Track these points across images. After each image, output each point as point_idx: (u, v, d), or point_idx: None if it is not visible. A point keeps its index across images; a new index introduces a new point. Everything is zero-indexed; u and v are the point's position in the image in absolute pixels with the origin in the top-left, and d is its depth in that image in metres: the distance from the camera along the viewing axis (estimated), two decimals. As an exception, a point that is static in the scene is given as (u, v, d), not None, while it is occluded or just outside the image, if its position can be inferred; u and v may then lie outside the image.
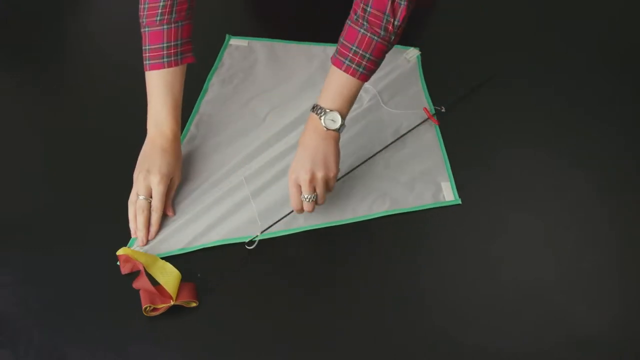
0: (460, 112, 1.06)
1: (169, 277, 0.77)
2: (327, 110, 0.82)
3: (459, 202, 0.92)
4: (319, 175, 0.80)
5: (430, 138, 1.01)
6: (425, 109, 1.03)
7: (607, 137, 1.05)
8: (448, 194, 0.93)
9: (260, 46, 1.15)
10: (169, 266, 0.79)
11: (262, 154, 0.96)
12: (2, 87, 1.07)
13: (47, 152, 0.96)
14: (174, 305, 0.76)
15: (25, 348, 0.73)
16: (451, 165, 0.97)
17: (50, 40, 1.15)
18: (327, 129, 0.82)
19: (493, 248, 0.88)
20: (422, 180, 0.94)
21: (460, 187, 0.94)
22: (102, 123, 1.00)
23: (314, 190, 0.81)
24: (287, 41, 1.17)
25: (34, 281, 0.79)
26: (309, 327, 0.78)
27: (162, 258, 0.81)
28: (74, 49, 1.15)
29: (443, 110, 1.03)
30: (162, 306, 0.76)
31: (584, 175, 0.99)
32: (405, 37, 1.17)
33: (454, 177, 0.95)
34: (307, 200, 0.81)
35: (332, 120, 0.82)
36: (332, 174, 0.81)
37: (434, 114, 1.03)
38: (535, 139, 1.04)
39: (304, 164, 0.80)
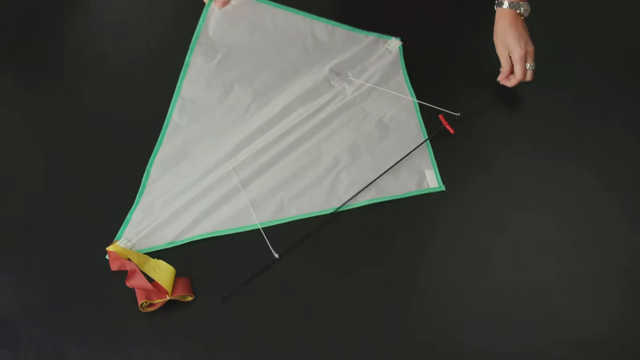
0: (457, 119, 1.06)
1: (163, 273, 0.77)
2: (521, 3, 1.02)
3: (443, 188, 0.93)
4: (530, 49, 1.00)
5: (413, 128, 1.01)
6: (442, 117, 1.02)
7: (607, 137, 1.05)
8: (432, 181, 0.94)
9: (246, 7, 1.12)
10: (163, 263, 0.79)
11: (248, 146, 0.95)
12: (1, 87, 1.07)
13: (47, 152, 0.96)
14: (173, 305, 0.76)
15: (25, 348, 0.73)
16: (438, 164, 0.97)
17: (50, 40, 1.14)
18: (523, 17, 1.02)
19: (493, 248, 0.88)
20: (406, 168, 0.95)
21: (458, 188, 0.94)
22: (102, 123, 1.00)
23: None
24: (274, 4, 1.14)
25: (34, 281, 0.79)
26: (308, 327, 0.78)
27: (152, 253, 0.81)
28: (73, 49, 1.15)
29: (458, 115, 1.02)
30: (159, 301, 0.76)
31: (584, 175, 0.98)
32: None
33: (440, 175, 0.96)
34: (530, 68, 1.01)
35: (526, 9, 1.03)
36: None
37: (448, 122, 1.02)
38: (534, 139, 1.04)
39: (520, 41, 1.00)
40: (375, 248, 0.87)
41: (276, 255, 0.82)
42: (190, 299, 0.78)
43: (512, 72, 1.04)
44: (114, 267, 0.79)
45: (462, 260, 0.86)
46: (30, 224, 0.85)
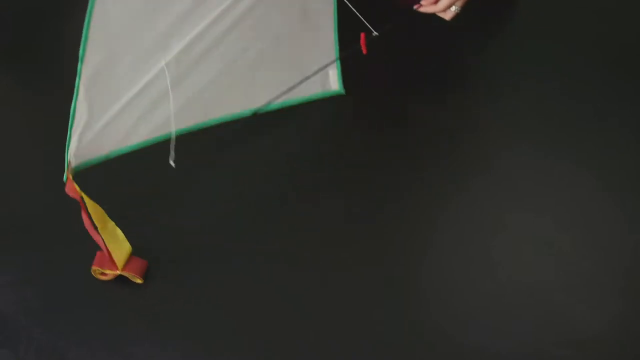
0: (457, 119, 1.06)
1: (118, 245, 0.77)
2: None
3: (343, 92, 0.95)
4: None
5: (329, 29, 0.99)
6: (363, 35, 0.94)
7: (607, 137, 1.05)
8: (334, 83, 0.95)
9: None
10: (121, 235, 0.78)
11: (181, 30, 0.88)
12: (1, 87, 1.07)
13: (47, 152, 0.95)
14: (173, 305, 0.76)
15: (25, 348, 0.73)
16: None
17: (50, 40, 1.15)
18: None
19: (493, 248, 0.88)
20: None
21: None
22: (102, 123, 1.00)
23: None
24: None
25: (34, 281, 0.79)
26: (308, 327, 0.78)
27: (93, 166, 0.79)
28: (73, 49, 1.15)
29: (374, 34, 0.94)
30: (110, 273, 0.76)
31: (584, 175, 0.98)
32: None
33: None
34: (455, 10, 0.92)
35: None
36: None
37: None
38: (534, 139, 1.04)
39: None
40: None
41: (172, 163, 0.79)
42: (139, 281, 0.78)
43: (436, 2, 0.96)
44: (70, 191, 0.78)
45: (462, 260, 0.86)
46: (30, 224, 0.85)
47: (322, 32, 1.00)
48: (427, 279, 0.84)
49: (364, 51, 0.94)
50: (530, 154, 1.01)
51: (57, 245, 0.83)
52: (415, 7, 0.98)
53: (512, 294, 0.82)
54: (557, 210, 0.93)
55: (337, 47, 0.96)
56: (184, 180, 0.92)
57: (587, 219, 0.92)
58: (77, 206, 0.88)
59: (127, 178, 0.92)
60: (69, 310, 0.77)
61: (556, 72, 1.15)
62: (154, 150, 0.84)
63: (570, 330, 0.79)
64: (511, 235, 0.90)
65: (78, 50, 1.14)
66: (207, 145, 0.96)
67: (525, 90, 1.12)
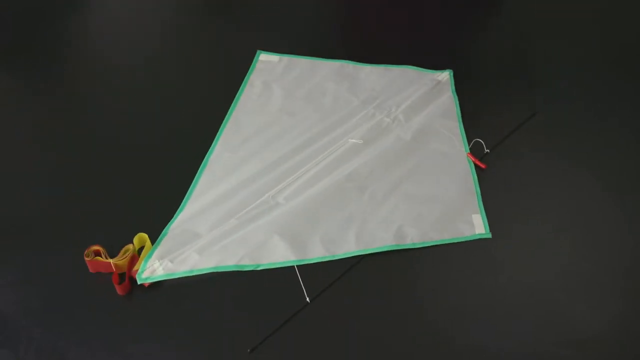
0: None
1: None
2: None
3: (489, 235, 0.89)
4: None
5: (463, 169, 0.98)
6: (470, 154, 0.98)
7: (607, 137, 1.05)
8: (479, 227, 0.90)
9: (290, 62, 1.14)
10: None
11: (295, 170, 0.96)
12: (1, 87, 1.07)
13: (47, 152, 0.96)
14: (173, 306, 0.76)
15: (25, 348, 0.73)
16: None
17: (50, 40, 1.15)
18: None
19: (494, 249, 0.88)
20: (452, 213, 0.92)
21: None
22: (102, 123, 1.00)
23: None
24: (317, 58, 1.15)
25: (34, 281, 0.79)
26: (313, 323, 0.78)
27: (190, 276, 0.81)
28: (73, 49, 1.15)
29: (487, 151, 1.00)
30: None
31: (584, 175, 0.98)
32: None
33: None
34: None
35: None
36: None
37: (480, 158, 0.99)
38: (534, 139, 1.04)
39: None
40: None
41: (308, 300, 0.80)
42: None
43: None
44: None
45: (462, 260, 0.86)
46: (30, 224, 0.85)
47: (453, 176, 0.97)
48: (428, 280, 0.84)
49: (483, 166, 0.97)
50: (530, 154, 1.01)
51: (57, 245, 0.83)
52: None
53: (513, 294, 0.82)
54: (557, 210, 0.93)
55: (480, 197, 0.94)
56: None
57: (587, 219, 0.93)
58: (76, 206, 0.88)
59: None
60: (69, 310, 0.77)
61: (556, 73, 1.16)
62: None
63: (570, 330, 0.79)
64: (511, 235, 0.90)
65: (78, 50, 1.15)
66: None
67: (525, 91, 1.12)
